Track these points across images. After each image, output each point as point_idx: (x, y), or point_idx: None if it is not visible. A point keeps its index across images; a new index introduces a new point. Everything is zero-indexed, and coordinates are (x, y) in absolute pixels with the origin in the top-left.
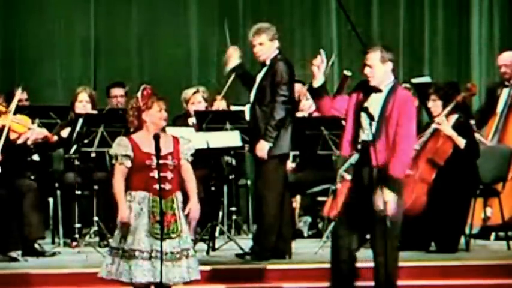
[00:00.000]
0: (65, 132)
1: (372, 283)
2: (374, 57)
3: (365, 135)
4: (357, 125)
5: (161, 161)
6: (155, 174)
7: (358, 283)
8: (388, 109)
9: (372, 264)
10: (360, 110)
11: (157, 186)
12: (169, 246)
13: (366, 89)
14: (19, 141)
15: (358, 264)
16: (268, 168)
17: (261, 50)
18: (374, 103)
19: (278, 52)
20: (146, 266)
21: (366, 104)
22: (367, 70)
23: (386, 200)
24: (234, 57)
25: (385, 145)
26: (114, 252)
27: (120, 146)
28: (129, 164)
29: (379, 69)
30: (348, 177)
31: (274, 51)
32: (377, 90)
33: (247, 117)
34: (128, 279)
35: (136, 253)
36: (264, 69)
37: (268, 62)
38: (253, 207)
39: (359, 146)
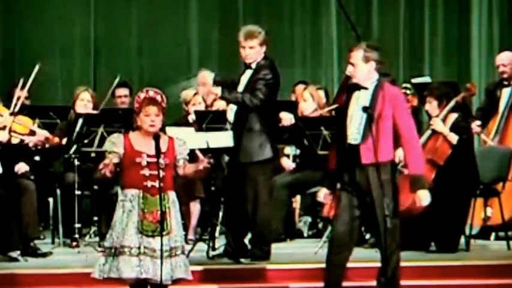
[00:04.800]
0: (63, 141)
1: (372, 283)
2: (357, 56)
3: (353, 136)
4: (343, 126)
5: (153, 160)
6: (146, 171)
7: (355, 283)
8: (378, 106)
9: (368, 265)
10: (345, 111)
11: (147, 184)
12: (157, 243)
13: (351, 88)
14: (16, 141)
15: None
16: (258, 173)
17: (250, 54)
18: (360, 101)
19: (264, 56)
20: (134, 262)
21: (352, 102)
22: (349, 68)
23: (422, 198)
24: (207, 77)
25: (376, 143)
26: (107, 251)
27: (111, 143)
28: (116, 160)
29: (361, 67)
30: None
31: (261, 55)
32: (361, 87)
33: (231, 118)
34: (116, 275)
35: (125, 249)
36: (250, 73)
37: (254, 66)
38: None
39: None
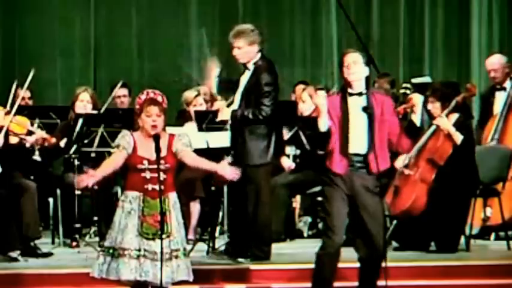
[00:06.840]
0: (62, 143)
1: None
2: (360, 59)
3: (359, 143)
4: (345, 135)
5: (154, 166)
6: (147, 174)
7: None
8: (377, 114)
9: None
10: (346, 118)
11: (148, 187)
12: (158, 246)
13: (343, 95)
14: (15, 141)
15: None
16: (260, 174)
17: (239, 54)
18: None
19: (260, 56)
20: (133, 265)
21: (350, 110)
22: (356, 70)
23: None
24: (214, 69)
25: (381, 149)
26: (107, 251)
27: (125, 139)
28: (125, 154)
29: (364, 71)
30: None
31: (256, 55)
32: (355, 94)
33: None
34: (115, 277)
35: (125, 252)
36: (248, 74)
37: (251, 67)
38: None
39: (353, 158)
